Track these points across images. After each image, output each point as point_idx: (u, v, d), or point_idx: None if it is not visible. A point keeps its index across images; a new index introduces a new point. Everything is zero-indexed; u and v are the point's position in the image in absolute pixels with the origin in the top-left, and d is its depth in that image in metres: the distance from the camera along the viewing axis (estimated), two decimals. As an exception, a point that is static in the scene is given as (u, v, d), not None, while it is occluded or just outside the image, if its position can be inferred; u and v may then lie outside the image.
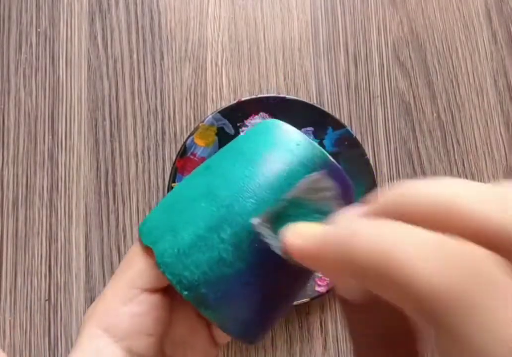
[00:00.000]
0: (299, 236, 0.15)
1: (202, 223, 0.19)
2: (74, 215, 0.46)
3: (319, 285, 0.44)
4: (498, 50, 0.52)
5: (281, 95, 0.47)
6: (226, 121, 0.46)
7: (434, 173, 0.49)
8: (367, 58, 0.51)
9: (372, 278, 0.12)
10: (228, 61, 0.50)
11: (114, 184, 0.47)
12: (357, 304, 0.15)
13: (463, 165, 0.50)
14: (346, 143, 0.46)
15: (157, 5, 0.50)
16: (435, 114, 0.50)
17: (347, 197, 0.22)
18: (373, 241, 0.12)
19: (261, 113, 0.47)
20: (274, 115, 0.47)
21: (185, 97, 0.49)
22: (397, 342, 0.15)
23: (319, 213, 0.17)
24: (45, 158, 0.47)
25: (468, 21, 0.52)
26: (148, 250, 0.21)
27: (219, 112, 0.46)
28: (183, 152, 0.45)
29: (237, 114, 0.46)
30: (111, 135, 0.48)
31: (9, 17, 0.49)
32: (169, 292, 0.22)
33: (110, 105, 0.48)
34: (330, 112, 0.47)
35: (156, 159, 0.47)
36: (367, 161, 0.46)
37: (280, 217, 0.17)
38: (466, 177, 0.49)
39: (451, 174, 0.49)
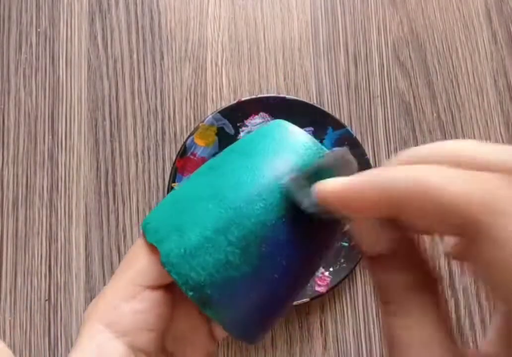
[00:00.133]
0: (334, 182, 0.16)
1: (210, 224, 0.19)
2: (74, 215, 0.46)
3: (319, 285, 0.44)
4: (498, 50, 0.52)
5: (281, 95, 0.47)
6: (226, 121, 0.46)
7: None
8: (367, 58, 0.51)
9: (411, 203, 0.14)
10: (228, 61, 0.50)
11: (114, 184, 0.47)
12: (384, 257, 0.16)
13: (463, 165, 0.50)
14: (346, 143, 0.46)
15: (157, 5, 0.50)
16: (435, 114, 0.50)
17: None
18: (412, 170, 0.14)
19: (261, 113, 0.47)
20: (274, 115, 0.47)
21: (185, 97, 0.49)
22: (425, 291, 0.16)
23: None
24: (45, 158, 0.47)
25: (468, 21, 0.52)
26: (151, 247, 0.21)
27: (219, 112, 0.46)
28: (183, 152, 0.45)
29: (237, 114, 0.46)
30: (111, 135, 0.48)
31: (9, 17, 0.49)
32: (170, 289, 0.22)
33: (110, 105, 0.48)
34: (330, 112, 0.47)
35: (156, 159, 0.47)
36: (367, 161, 0.46)
37: (309, 180, 0.18)
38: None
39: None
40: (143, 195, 0.47)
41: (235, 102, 0.46)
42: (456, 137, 0.50)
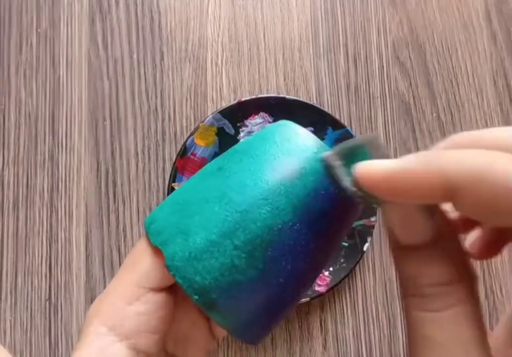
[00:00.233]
0: (380, 163, 0.15)
1: (215, 228, 0.19)
2: (74, 215, 0.46)
3: (319, 285, 0.44)
4: (498, 51, 0.52)
5: (281, 95, 0.47)
6: (226, 121, 0.46)
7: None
8: (367, 58, 0.51)
9: (473, 189, 0.13)
10: (228, 61, 0.50)
11: (114, 184, 0.47)
12: (420, 248, 0.15)
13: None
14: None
15: (157, 6, 0.50)
16: (435, 114, 0.50)
17: None
18: (468, 154, 0.13)
19: (261, 113, 0.47)
20: (274, 115, 0.47)
21: (185, 97, 0.49)
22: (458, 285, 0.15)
23: None
24: (46, 158, 0.47)
25: (468, 21, 0.52)
26: (155, 249, 0.21)
27: (219, 112, 0.46)
28: (183, 152, 0.45)
29: (237, 114, 0.46)
30: (112, 135, 0.48)
31: (10, 18, 0.49)
32: (172, 290, 0.22)
33: (110, 106, 0.48)
34: (330, 112, 0.47)
35: (156, 159, 0.47)
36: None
37: (347, 157, 0.18)
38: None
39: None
40: (143, 195, 0.47)
41: (235, 102, 0.46)
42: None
